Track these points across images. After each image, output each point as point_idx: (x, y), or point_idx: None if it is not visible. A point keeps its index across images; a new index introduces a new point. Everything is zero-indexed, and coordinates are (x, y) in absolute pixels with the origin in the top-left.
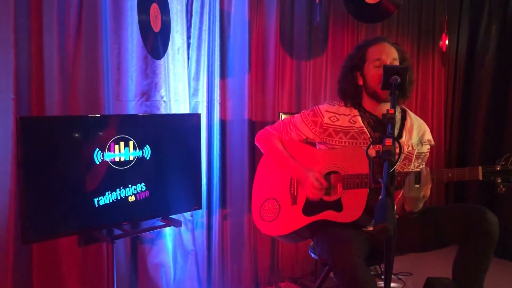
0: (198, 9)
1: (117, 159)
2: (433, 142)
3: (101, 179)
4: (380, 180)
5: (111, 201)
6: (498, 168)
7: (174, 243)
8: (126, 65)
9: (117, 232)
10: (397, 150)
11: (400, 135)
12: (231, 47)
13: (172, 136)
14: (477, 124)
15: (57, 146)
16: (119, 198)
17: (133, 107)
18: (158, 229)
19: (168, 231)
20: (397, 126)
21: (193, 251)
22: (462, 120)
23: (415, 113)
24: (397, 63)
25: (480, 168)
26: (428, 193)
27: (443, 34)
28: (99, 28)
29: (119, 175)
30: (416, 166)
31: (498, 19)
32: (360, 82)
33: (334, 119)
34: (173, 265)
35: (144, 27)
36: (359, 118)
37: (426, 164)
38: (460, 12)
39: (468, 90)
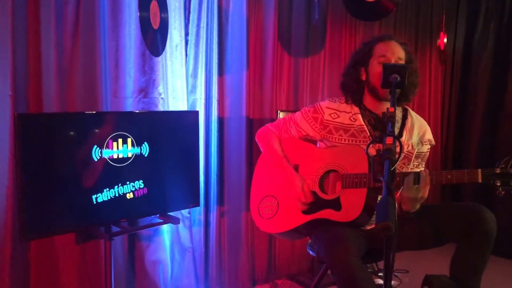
0: (196, 6)
1: (115, 156)
2: (433, 142)
3: (99, 176)
4: (381, 178)
5: (109, 198)
6: (498, 171)
7: (171, 240)
8: (124, 62)
9: (115, 229)
10: (398, 149)
11: (400, 134)
12: (229, 44)
13: (170, 133)
14: (474, 123)
15: (55, 143)
16: (117, 195)
17: (131, 104)
18: (155, 226)
19: (165, 228)
20: (398, 125)
21: (190, 248)
22: (458, 118)
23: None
24: (402, 62)
25: (479, 170)
26: (426, 194)
27: (441, 33)
28: (97, 24)
29: (117, 172)
30: (415, 165)
31: (496, 17)
32: (363, 77)
33: (334, 116)
34: (171, 262)
35: (144, 24)
36: (360, 116)
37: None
38: (457, 11)
39: (465, 88)
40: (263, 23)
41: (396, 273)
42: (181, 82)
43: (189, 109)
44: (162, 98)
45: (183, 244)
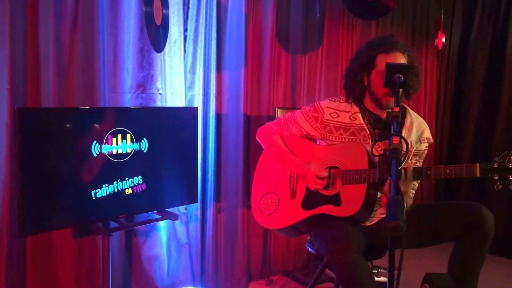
0: (195, 1)
1: (114, 152)
2: (432, 140)
3: (99, 171)
4: (389, 178)
5: (108, 193)
6: (496, 166)
7: (168, 236)
8: (122, 57)
9: (113, 225)
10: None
11: (400, 133)
12: (228, 41)
13: (169, 130)
14: (469, 121)
15: (55, 138)
16: (116, 190)
17: (129, 99)
18: (152, 222)
19: (162, 224)
20: (397, 124)
21: (187, 244)
22: (453, 116)
23: None
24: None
25: (477, 165)
26: (415, 188)
27: (439, 32)
28: (96, 19)
29: (116, 167)
30: (413, 163)
31: (491, 17)
32: (365, 83)
33: (334, 115)
34: (167, 258)
35: (148, 19)
36: (360, 115)
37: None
38: (453, 10)
39: (460, 87)
40: (261, 20)
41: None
42: (179, 78)
43: (187, 105)
44: (160, 93)
45: (180, 240)
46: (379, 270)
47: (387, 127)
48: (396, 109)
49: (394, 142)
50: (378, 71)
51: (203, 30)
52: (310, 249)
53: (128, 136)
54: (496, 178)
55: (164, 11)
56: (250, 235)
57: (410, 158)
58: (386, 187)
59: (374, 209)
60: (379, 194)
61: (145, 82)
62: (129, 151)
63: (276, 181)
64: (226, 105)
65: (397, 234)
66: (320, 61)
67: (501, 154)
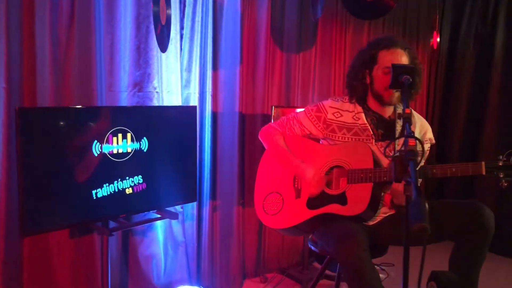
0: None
1: (115, 151)
2: (434, 141)
3: (99, 171)
4: (408, 180)
5: (108, 193)
6: (501, 164)
7: (165, 235)
8: (119, 55)
9: (112, 224)
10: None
11: (402, 133)
12: (223, 39)
13: (168, 129)
14: (458, 119)
15: (56, 137)
16: (116, 190)
17: (125, 98)
18: (152, 221)
19: (159, 223)
20: (400, 123)
21: (183, 242)
22: (442, 115)
23: None
24: None
25: (483, 163)
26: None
27: (435, 32)
28: (92, 17)
29: (116, 167)
30: None
31: (479, 16)
32: (368, 80)
33: (337, 115)
34: (164, 256)
35: (155, 18)
36: (363, 115)
37: None
38: (443, 9)
39: (449, 86)
40: (256, 18)
41: (382, 267)
42: (176, 76)
43: (183, 104)
44: (157, 92)
45: (176, 238)
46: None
47: (390, 127)
48: (408, 110)
49: (410, 143)
50: (379, 67)
51: (199, 29)
52: (313, 248)
53: (129, 135)
54: (502, 176)
55: (167, 11)
56: (245, 232)
57: None
58: (395, 185)
59: (378, 208)
60: (382, 194)
61: (141, 81)
62: (129, 150)
63: (280, 181)
64: (222, 103)
65: (423, 235)
66: (314, 60)
67: (506, 152)
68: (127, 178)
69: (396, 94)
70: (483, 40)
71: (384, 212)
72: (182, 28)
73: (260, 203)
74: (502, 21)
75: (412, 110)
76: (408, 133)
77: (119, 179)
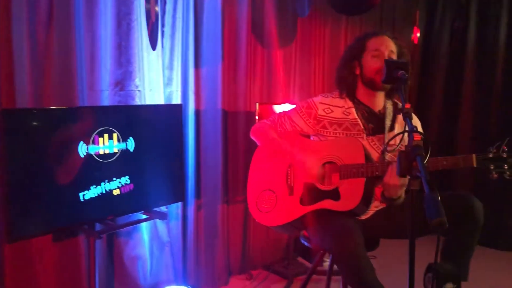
0: None
1: (101, 152)
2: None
3: (86, 173)
4: (418, 174)
5: (96, 195)
6: (491, 155)
7: (150, 235)
8: (99, 54)
9: (99, 226)
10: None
11: (392, 127)
12: (205, 36)
13: (155, 128)
14: (432, 114)
15: (41, 139)
16: (104, 191)
17: (107, 97)
18: (141, 222)
19: (144, 223)
20: (390, 118)
21: (168, 242)
22: (417, 110)
23: None
24: (394, 56)
25: (474, 155)
26: (407, 181)
27: (415, 27)
28: (72, 14)
29: (103, 168)
30: None
31: (452, 11)
32: (357, 71)
33: (328, 110)
34: (150, 257)
35: (149, 16)
36: (353, 110)
37: None
38: (416, 5)
39: (423, 81)
40: (236, 14)
41: None
42: (157, 74)
43: (165, 102)
44: (139, 90)
45: (161, 238)
46: None
47: (380, 121)
48: (408, 105)
49: (416, 138)
50: (368, 53)
51: (181, 26)
52: (306, 244)
53: (115, 135)
54: (492, 167)
55: (156, 8)
56: (229, 230)
57: None
58: (387, 179)
59: (371, 202)
60: (374, 188)
61: (123, 79)
62: (116, 150)
63: (272, 178)
64: (205, 101)
65: (441, 230)
66: (294, 55)
67: (495, 144)
68: (114, 179)
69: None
70: (460, 35)
71: (375, 206)
72: (163, 25)
73: (253, 201)
74: (474, 15)
75: (400, 104)
76: (410, 128)
77: (106, 180)
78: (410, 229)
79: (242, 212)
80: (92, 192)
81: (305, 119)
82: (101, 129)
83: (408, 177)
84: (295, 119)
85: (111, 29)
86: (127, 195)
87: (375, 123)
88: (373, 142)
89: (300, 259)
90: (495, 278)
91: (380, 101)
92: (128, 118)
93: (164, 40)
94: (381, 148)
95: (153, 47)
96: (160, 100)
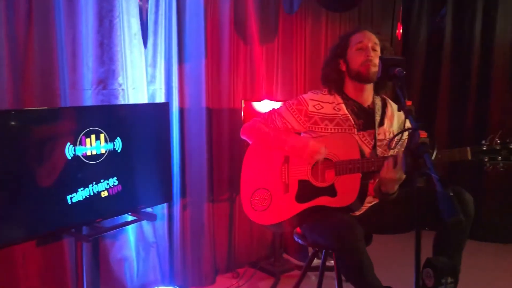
0: None
1: (88, 153)
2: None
3: (74, 175)
4: (428, 172)
5: (84, 197)
6: (485, 148)
7: (136, 237)
8: (81, 52)
9: (86, 229)
10: (380, 137)
11: (382, 122)
12: (188, 33)
13: (142, 127)
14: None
15: (27, 142)
16: (92, 194)
17: (90, 96)
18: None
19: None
20: (379, 114)
21: (154, 243)
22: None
23: None
24: (378, 48)
25: (468, 148)
26: (403, 175)
27: (398, 23)
28: (52, 12)
29: (91, 169)
30: (395, 151)
31: (429, 5)
32: (343, 68)
33: (318, 106)
34: (136, 259)
35: (141, 14)
36: (343, 106)
37: None
38: (394, 4)
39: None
40: (219, 11)
41: None
42: (140, 72)
43: (149, 100)
44: (122, 89)
45: (147, 239)
46: None
47: (370, 116)
48: (409, 102)
49: (422, 135)
50: (352, 47)
51: (163, 22)
52: (300, 241)
53: (102, 136)
54: (486, 159)
55: (146, 5)
56: (215, 228)
57: (392, 147)
58: (384, 173)
59: (365, 197)
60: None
61: (106, 78)
62: (103, 151)
63: (266, 176)
64: (189, 99)
65: (459, 228)
66: (276, 52)
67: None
68: (102, 180)
69: (373, 69)
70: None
71: (368, 202)
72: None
73: (247, 200)
74: (450, 11)
75: (389, 100)
76: (415, 125)
77: (94, 182)
78: (416, 224)
79: (227, 210)
80: (80, 195)
81: (295, 116)
82: (88, 129)
83: (400, 170)
84: (286, 116)
85: (92, 27)
86: (115, 196)
87: (365, 118)
88: (364, 137)
89: (285, 256)
90: (477, 269)
91: (369, 96)
92: (115, 117)
93: (148, 37)
94: (372, 143)
95: (145, 44)
96: (144, 99)
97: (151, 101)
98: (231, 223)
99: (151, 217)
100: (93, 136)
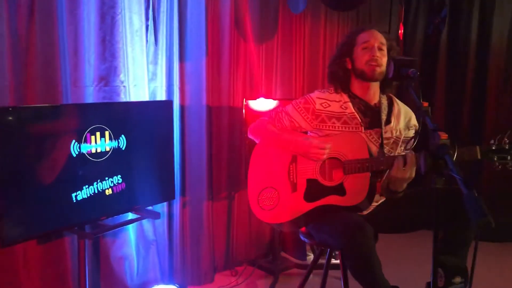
0: None
1: (93, 151)
2: (418, 127)
3: (78, 172)
4: (451, 173)
5: (88, 195)
6: (494, 147)
7: (136, 235)
8: (83, 48)
9: (87, 227)
10: (386, 135)
11: (389, 121)
12: (189, 30)
13: (146, 125)
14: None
15: (34, 139)
16: (96, 191)
17: (91, 93)
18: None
19: None
20: (385, 112)
21: (154, 241)
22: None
23: None
24: (384, 48)
25: (477, 147)
26: (413, 174)
27: (401, 24)
28: (54, 8)
29: (95, 167)
30: (402, 150)
31: (426, 6)
32: (349, 66)
33: (325, 105)
34: (136, 257)
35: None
36: (350, 104)
37: None
38: (391, 4)
39: None
40: (220, 8)
41: None
42: (142, 70)
43: (150, 98)
44: (124, 86)
45: (147, 237)
46: None
47: (376, 115)
48: (425, 104)
49: (442, 137)
50: (358, 46)
51: (165, 19)
52: (306, 240)
53: (107, 133)
54: (496, 159)
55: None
56: (214, 227)
57: (399, 145)
58: (394, 172)
59: (374, 196)
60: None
61: (108, 74)
62: (108, 149)
63: (274, 175)
64: (189, 97)
65: (488, 229)
66: (276, 50)
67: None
68: (107, 178)
69: (379, 69)
70: (439, 32)
71: (375, 201)
72: (147, 19)
73: (254, 199)
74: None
75: (395, 98)
76: (433, 126)
77: (99, 180)
78: (435, 224)
79: (225, 208)
80: (85, 193)
81: (302, 114)
82: (93, 127)
83: (409, 169)
84: (293, 114)
85: (94, 23)
86: (119, 194)
87: (371, 117)
88: (371, 136)
89: (283, 254)
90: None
91: (375, 94)
92: (120, 115)
93: (148, 34)
94: (379, 141)
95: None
96: (145, 96)
97: (151, 99)
98: (229, 221)
99: (155, 215)
100: (98, 134)
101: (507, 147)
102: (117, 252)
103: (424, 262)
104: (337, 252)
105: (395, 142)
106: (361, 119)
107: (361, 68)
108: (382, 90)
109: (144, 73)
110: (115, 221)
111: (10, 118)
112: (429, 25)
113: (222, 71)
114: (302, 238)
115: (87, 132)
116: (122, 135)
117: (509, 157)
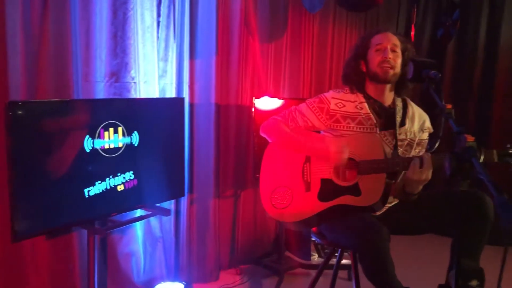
0: None
1: (106, 146)
2: (432, 130)
3: (91, 168)
4: (480, 177)
5: (100, 191)
6: (511, 151)
7: (143, 231)
8: (94, 44)
9: (97, 222)
10: (400, 137)
11: (403, 123)
12: (200, 28)
13: (158, 122)
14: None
15: (48, 134)
16: (108, 187)
17: (102, 88)
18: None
19: None
20: (400, 114)
21: (160, 238)
22: None
23: None
24: (398, 49)
25: (495, 151)
26: (429, 176)
27: (412, 25)
28: (67, 3)
29: (108, 163)
30: (417, 152)
31: (432, 12)
32: (364, 68)
33: (340, 105)
34: (143, 254)
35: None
36: (366, 105)
37: None
38: (399, 5)
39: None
40: (230, 7)
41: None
42: (152, 66)
43: (160, 95)
44: (134, 82)
45: (154, 234)
46: None
47: (391, 116)
48: (449, 106)
49: (469, 140)
50: (372, 48)
51: (176, 17)
52: (318, 240)
53: (120, 129)
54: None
55: None
56: (220, 225)
57: (413, 147)
58: (410, 174)
59: (388, 197)
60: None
61: (118, 70)
62: (120, 145)
63: (287, 174)
64: (199, 94)
65: None
66: (285, 49)
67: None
68: (119, 174)
69: (392, 71)
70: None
71: (389, 202)
72: (159, 15)
73: (267, 197)
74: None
75: (409, 100)
76: (457, 130)
77: (111, 176)
78: (456, 228)
79: (231, 207)
80: (97, 188)
81: (317, 114)
82: (106, 122)
83: (426, 171)
84: (307, 114)
85: (106, 18)
86: (130, 190)
87: (386, 118)
88: (385, 137)
89: (287, 254)
90: None
91: (389, 96)
92: (133, 111)
93: (160, 30)
94: (393, 143)
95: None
96: (155, 93)
97: (161, 96)
98: (234, 219)
99: (165, 212)
100: (111, 130)
101: None
102: (124, 248)
103: (430, 263)
104: (348, 253)
105: (409, 144)
106: (376, 120)
107: (374, 70)
108: (398, 92)
109: (154, 69)
110: (124, 217)
111: (21, 112)
112: (438, 27)
113: (231, 69)
114: (313, 237)
115: (101, 127)
116: (135, 132)
117: None
